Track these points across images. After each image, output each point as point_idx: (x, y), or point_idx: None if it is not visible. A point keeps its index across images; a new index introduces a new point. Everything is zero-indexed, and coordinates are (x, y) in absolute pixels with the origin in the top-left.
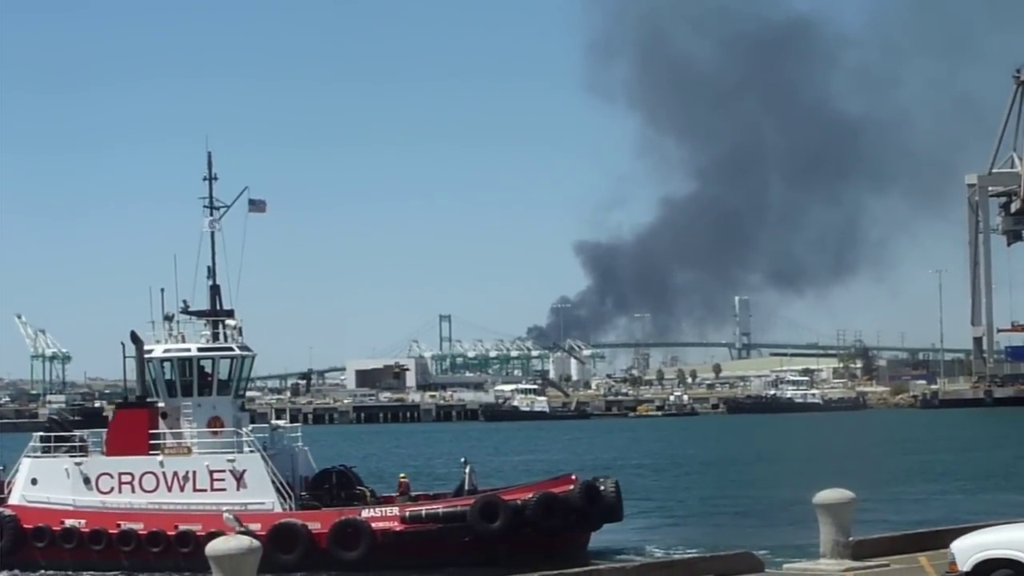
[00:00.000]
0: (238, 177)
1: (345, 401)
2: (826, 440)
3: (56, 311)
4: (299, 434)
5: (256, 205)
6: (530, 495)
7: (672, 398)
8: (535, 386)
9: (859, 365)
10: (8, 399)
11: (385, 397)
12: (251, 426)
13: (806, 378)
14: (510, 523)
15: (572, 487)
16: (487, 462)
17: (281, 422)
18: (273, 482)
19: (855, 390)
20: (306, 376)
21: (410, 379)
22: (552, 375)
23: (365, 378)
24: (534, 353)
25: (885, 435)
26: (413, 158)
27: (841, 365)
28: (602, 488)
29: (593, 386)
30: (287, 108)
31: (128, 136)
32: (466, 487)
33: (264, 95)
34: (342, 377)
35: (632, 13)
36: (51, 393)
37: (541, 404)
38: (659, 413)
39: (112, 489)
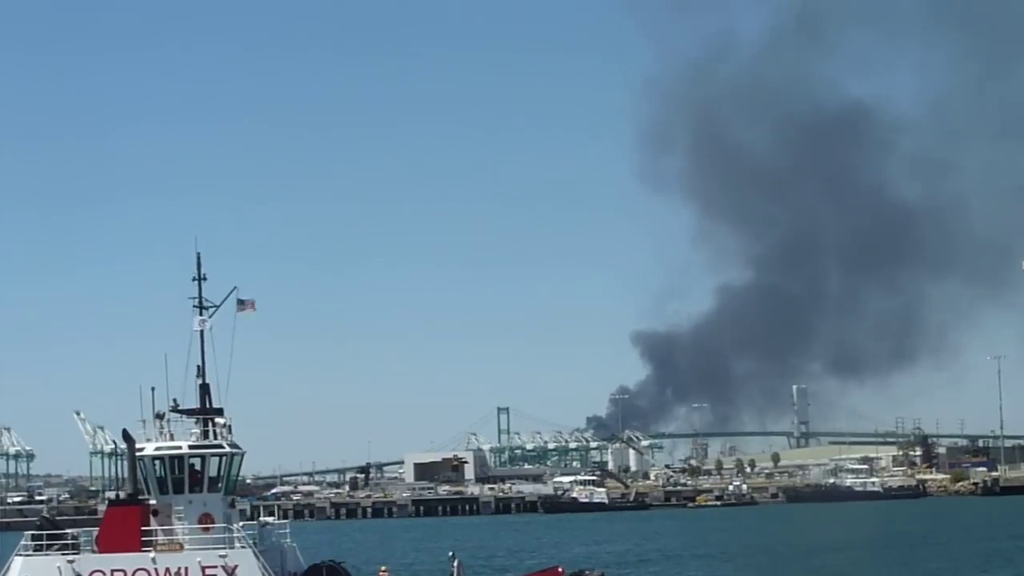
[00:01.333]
0: (244, 279)
1: (404, 495)
2: (887, 528)
3: (114, 408)
4: (287, 530)
5: (245, 305)
6: None
7: (731, 488)
8: (594, 477)
9: (918, 453)
10: (67, 495)
11: (444, 490)
12: (241, 523)
13: (865, 466)
14: None
15: None
16: (552, 554)
17: (270, 519)
18: None
19: (915, 478)
20: (364, 470)
21: (469, 472)
22: (611, 466)
23: (424, 471)
24: (592, 444)
25: (947, 523)
26: (469, 255)
27: (900, 453)
28: None
29: (652, 476)
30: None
31: (123, 240)
32: None
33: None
34: (400, 471)
35: (685, 102)
36: (110, 490)
37: (600, 495)
38: (718, 503)
39: None
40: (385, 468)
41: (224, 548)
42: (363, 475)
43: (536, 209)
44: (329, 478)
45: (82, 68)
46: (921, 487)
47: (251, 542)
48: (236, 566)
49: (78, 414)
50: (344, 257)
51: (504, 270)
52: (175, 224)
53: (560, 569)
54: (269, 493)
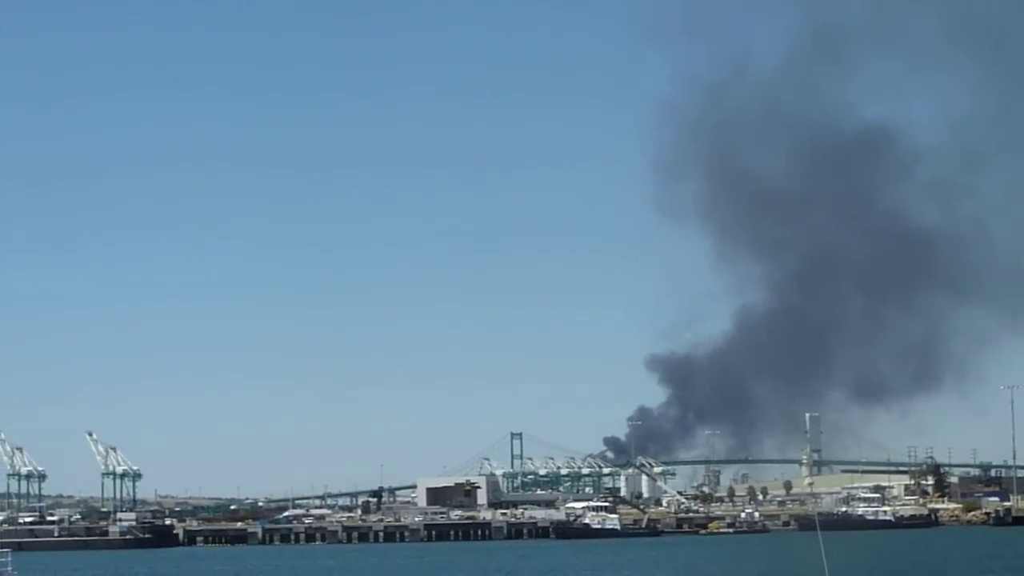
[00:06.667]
0: None
1: (416, 519)
2: (899, 558)
3: (128, 428)
4: (9, 559)
5: None
6: None
7: (743, 515)
8: (606, 503)
9: (931, 482)
10: (79, 517)
11: (456, 515)
12: None
13: (877, 495)
14: None
15: None
16: None
17: None
18: None
19: (927, 507)
20: (377, 494)
21: (481, 497)
22: (623, 492)
23: (436, 496)
24: (605, 470)
25: (959, 553)
26: (484, 282)
27: (912, 482)
28: None
29: (664, 503)
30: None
31: None
32: None
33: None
34: (413, 495)
35: (701, 127)
36: (121, 511)
37: (612, 522)
38: (730, 530)
39: None
40: (398, 492)
41: None
42: (375, 499)
43: (549, 237)
44: (341, 502)
45: None
46: (933, 516)
47: None
48: None
49: (90, 435)
50: (364, 287)
51: (519, 298)
52: None
53: None
54: (281, 516)
